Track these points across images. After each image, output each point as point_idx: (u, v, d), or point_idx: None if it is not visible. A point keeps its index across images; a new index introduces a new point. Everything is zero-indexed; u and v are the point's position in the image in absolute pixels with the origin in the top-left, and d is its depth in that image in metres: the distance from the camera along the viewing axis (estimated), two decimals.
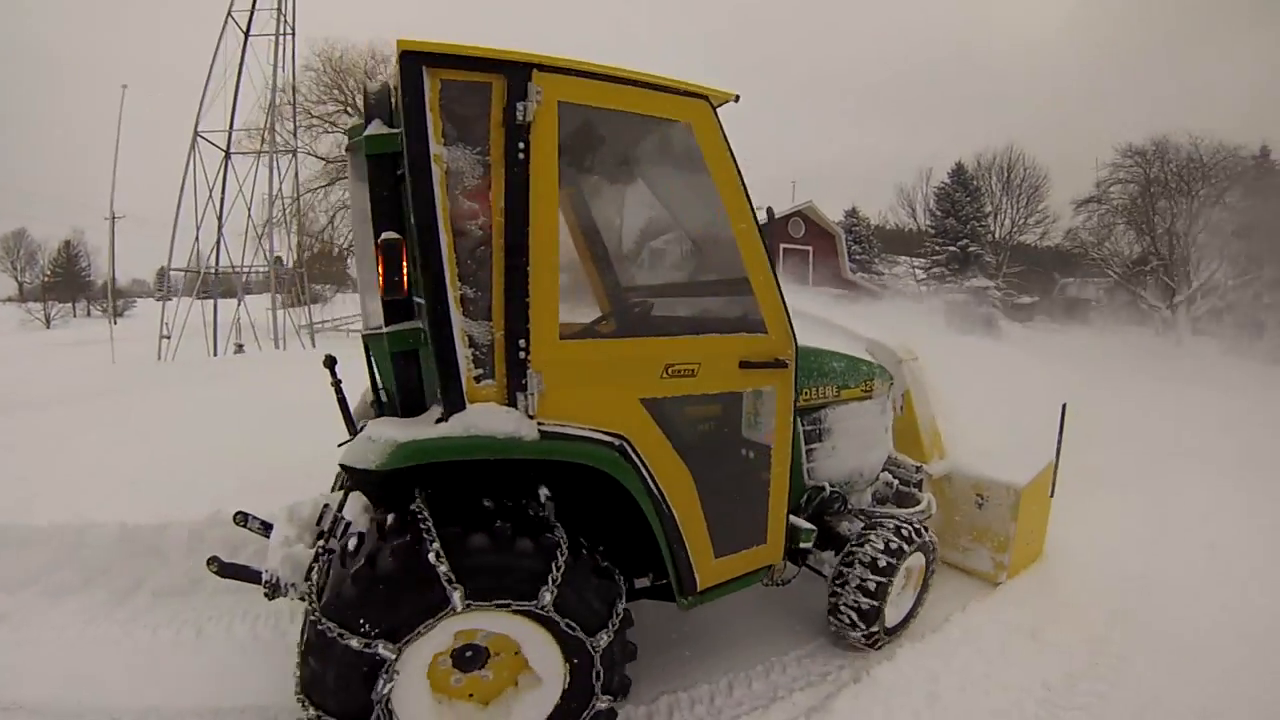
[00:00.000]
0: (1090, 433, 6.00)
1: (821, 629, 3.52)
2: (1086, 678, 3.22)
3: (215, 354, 18.53)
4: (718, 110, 2.57)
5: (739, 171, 2.59)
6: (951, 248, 33.26)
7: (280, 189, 20.86)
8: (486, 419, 2.16)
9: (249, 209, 20.39)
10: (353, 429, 3.02)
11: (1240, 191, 27.13)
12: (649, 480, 2.45)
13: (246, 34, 19.95)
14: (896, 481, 3.84)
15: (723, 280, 2.92)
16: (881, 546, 3.25)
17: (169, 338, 18.45)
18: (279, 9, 20.20)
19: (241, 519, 3.05)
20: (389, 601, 2.08)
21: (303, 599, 2.37)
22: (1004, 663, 3.24)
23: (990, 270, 33.03)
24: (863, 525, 3.43)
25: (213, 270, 20.18)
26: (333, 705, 2.11)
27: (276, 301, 20.59)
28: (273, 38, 20.23)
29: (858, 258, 35.87)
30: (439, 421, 2.15)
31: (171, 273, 20.36)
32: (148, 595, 3.54)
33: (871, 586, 3.20)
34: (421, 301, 2.16)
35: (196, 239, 19.62)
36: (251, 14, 20.02)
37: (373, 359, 2.87)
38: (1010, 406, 5.34)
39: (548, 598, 2.20)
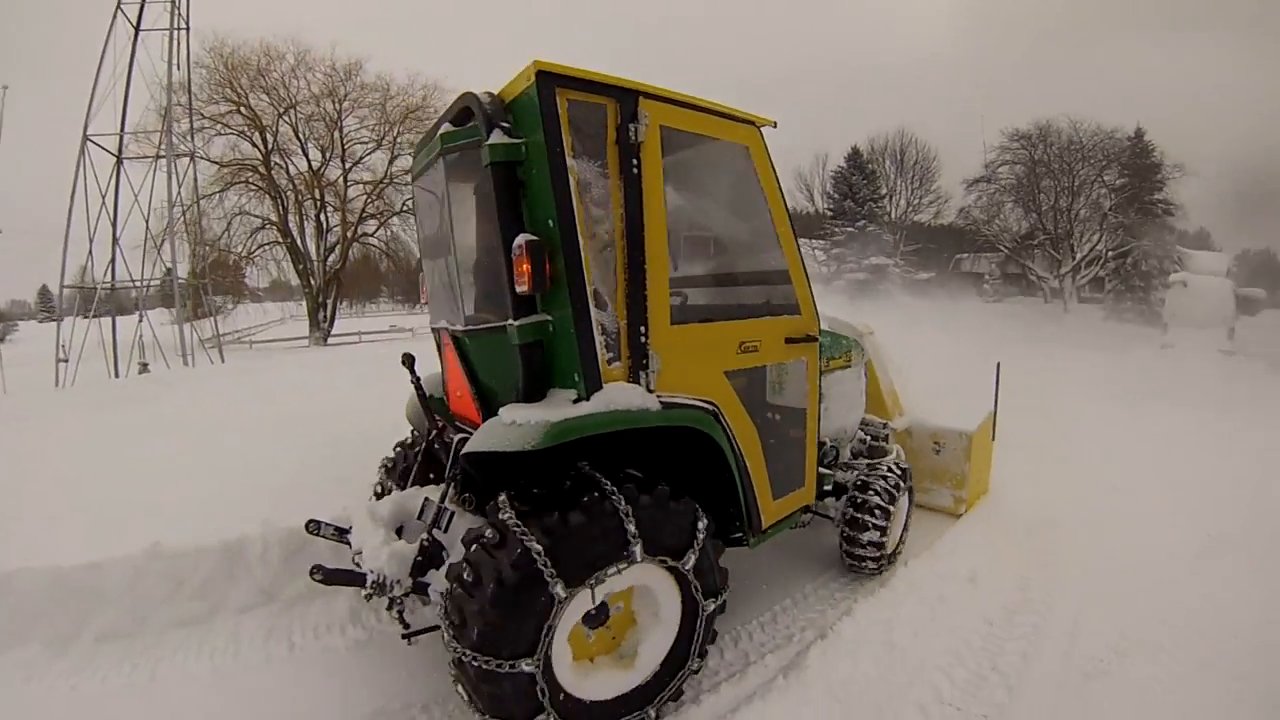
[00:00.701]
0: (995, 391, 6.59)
1: (781, 595, 3.76)
2: (1022, 611, 3.56)
3: (118, 375, 17.19)
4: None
5: (780, 185, 3.16)
6: (850, 229, 34.63)
7: (180, 195, 19.50)
8: (621, 395, 2.52)
9: (146, 218, 18.97)
10: (434, 423, 3.32)
11: (1116, 170, 29.56)
12: (730, 437, 2.90)
13: (137, 29, 18.44)
14: (869, 437, 4.45)
15: (770, 272, 3.38)
16: (883, 489, 3.94)
17: (66, 360, 17.01)
18: (172, 1, 18.76)
19: (315, 527, 3.19)
20: (584, 551, 2.36)
21: (406, 595, 2.68)
22: (947, 608, 3.54)
23: (888, 249, 34.68)
24: (858, 474, 4.06)
25: (108, 286, 18.64)
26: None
27: (179, 315, 19.26)
28: (166, 32, 18.79)
29: None
30: (576, 401, 2.47)
31: (65, 289, 18.63)
32: (90, 641, 3.34)
33: (881, 522, 3.86)
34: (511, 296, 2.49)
35: (90, 253, 18.07)
36: (142, 7, 18.54)
37: (462, 355, 3.10)
38: (930, 371, 5.84)
39: (692, 560, 2.63)
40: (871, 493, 3.93)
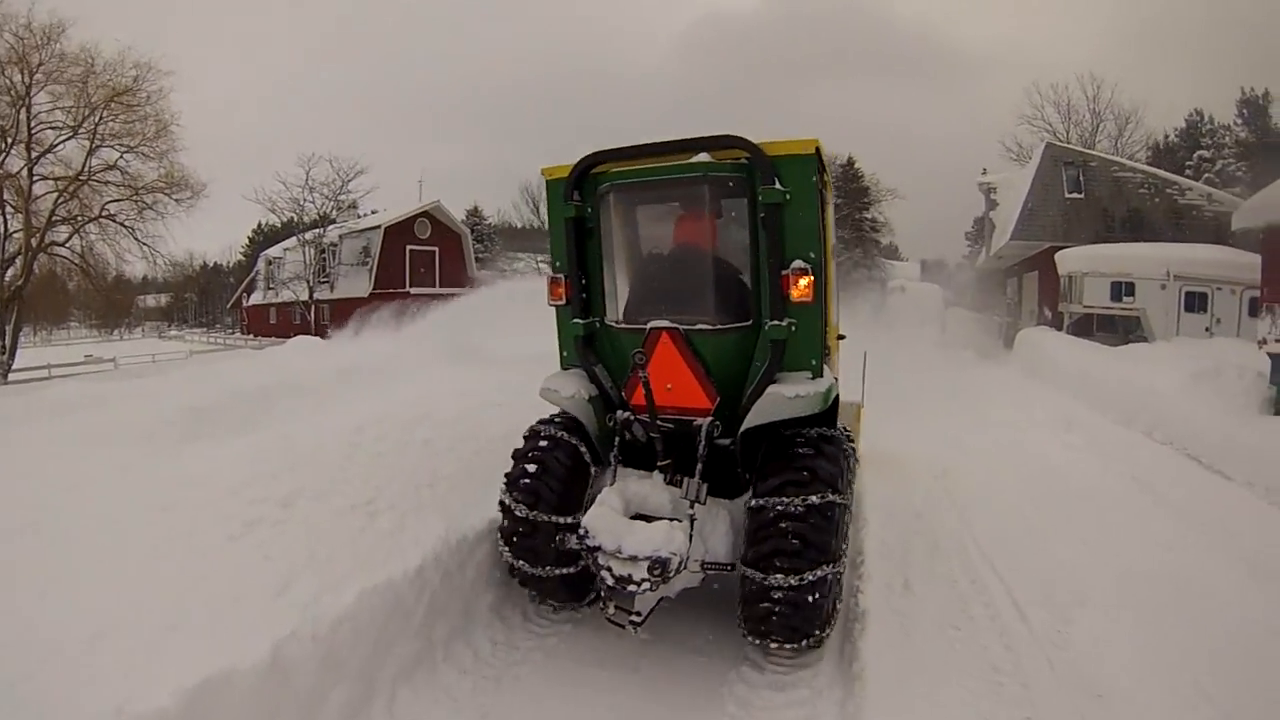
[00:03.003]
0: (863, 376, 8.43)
1: None
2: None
3: None
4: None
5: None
6: None
7: None
8: (829, 376, 3.67)
9: None
10: (650, 414, 3.59)
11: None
12: None
13: None
14: None
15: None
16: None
17: None
18: None
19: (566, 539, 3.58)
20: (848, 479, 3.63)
21: (730, 570, 3.46)
22: None
23: None
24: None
25: None
26: None
27: None
28: None
29: (481, 256, 38.02)
30: (813, 379, 3.55)
31: None
32: None
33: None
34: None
35: None
36: None
37: (692, 350, 3.61)
38: None
39: (850, 494, 3.72)
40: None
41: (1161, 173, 19.65)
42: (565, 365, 4.10)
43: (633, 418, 3.65)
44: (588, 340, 3.92)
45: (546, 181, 3.96)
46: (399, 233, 33.03)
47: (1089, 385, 10.99)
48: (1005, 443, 8.02)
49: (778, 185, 3.39)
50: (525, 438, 3.94)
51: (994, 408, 10.22)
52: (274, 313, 37.97)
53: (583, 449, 3.87)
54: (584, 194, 3.81)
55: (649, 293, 3.91)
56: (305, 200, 33.51)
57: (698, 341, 3.57)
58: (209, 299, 60.81)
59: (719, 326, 3.58)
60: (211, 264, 63.55)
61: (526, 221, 44.12)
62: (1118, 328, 16.17)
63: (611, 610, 3.31)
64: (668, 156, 3.60)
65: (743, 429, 3.49)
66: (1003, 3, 69.04)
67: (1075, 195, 18.94)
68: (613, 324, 3.87)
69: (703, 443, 3.43)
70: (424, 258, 33.68)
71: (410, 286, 32.66)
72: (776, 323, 3.45)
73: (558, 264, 3.98)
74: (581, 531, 3.28)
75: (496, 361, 7.95)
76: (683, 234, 3.85)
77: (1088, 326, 16.50)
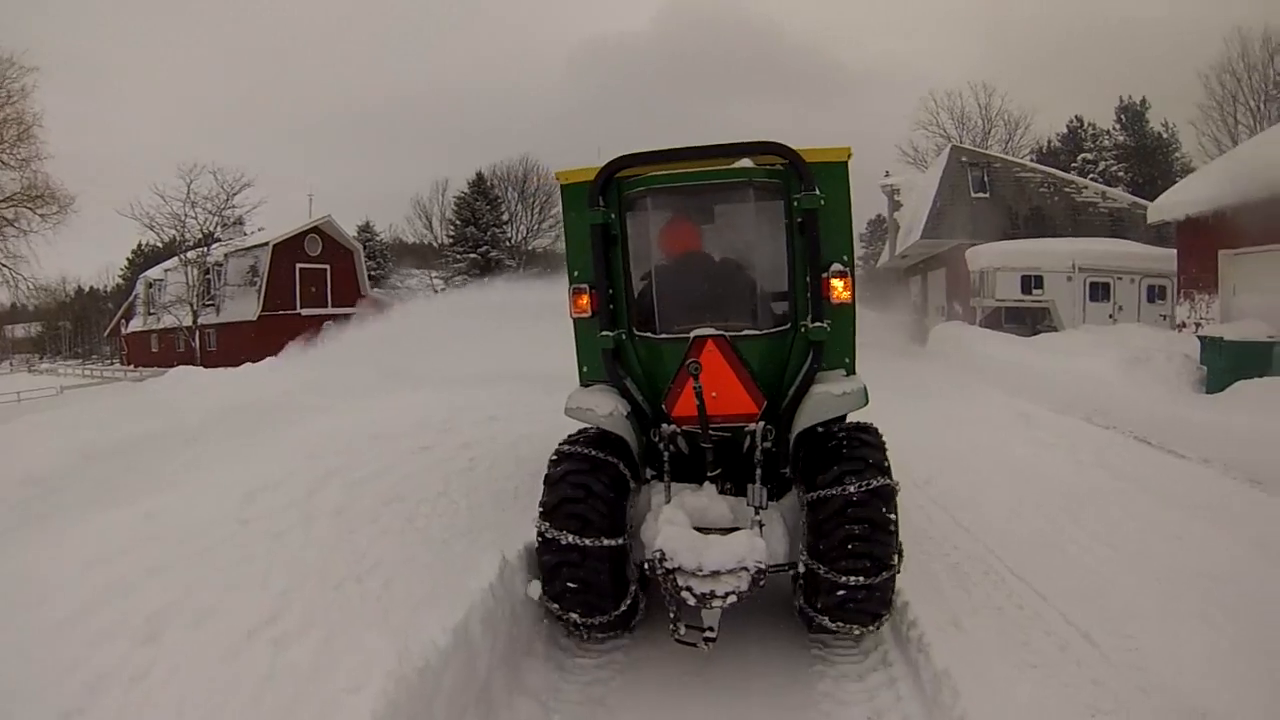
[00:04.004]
0: None
1: None
2: None
3: None
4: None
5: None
6: (473, 254, 35.73)
7: None
8: (860, 377, 3.78)
9: None
10: (702, 424, 3.51)
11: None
12: None
13: None
14: None
15: None
16: None
17: None
18: None
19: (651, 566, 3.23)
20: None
21: (790, 569, 3.49)
22: None
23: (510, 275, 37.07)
24: None
25: None
26: None
27: None
28: None
29: (374, 273, 36.35)
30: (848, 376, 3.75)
31: None
32: None
33: None
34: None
35: None
36: None
37: (739, 355, 3.51)
38: None
39: (893, 475, 3.53)
40: None
41: (1059, 173, 20.97)
42: (586, 381, 3.94)
43: (679, 429, 3.58)
44: (615, 353, 3.73)
45: (563, 187, 3.85)
46: (288, 250, 30.55)
47: (1022, 376, 11.18)
48: (969, 442, 7.78)
49: (817, 193, 3.46)
50: (556, 460, 3.64)
51: (939, 404, 10.01)
52: (156, 340, 34.53)
53: (621, 467, 3.63)
54: (607, 200, 3.66)
55: (688, 300, 3.80)
56: (187, 216, 30.38)
57: (741, 347, 3.52)
58: (85, 327, 55.16)
59: (763, 331, 3.66)
60: (87, 288, 57.67)
61: (419, 237, 42.69)
62: (1025, 319, 16.89)
63: (683, 631, 3.21)
64: (703, 161, 3.59)
65: (797, 430, 3.57)
66: (885, 22, 72.97)
67: (981, 195, 19.81)
68: (650, 334, 3.74)
69: (759, 448, 3.45)
70: (315, 276, 31.49)
71: (301, 307, 30.38)
72: (819, 324, 3.52)
73: (575, 273, 3.82)
74: (657, 553, 3.10)
75: (413, 385, 6.93)
76: (722, 239, 3.95)
77: (998, 319, 17.22)
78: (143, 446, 5.22)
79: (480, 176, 38.34)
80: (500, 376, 8.13)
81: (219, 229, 31.29)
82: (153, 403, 7.70)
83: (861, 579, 3.22)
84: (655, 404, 3.71)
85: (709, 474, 3.59)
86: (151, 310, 34.60)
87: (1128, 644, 3.29)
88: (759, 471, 3.41)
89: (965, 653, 3.21)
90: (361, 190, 67.02)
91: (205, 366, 24.39)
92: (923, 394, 10.93)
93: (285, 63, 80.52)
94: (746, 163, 3.54)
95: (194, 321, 30.65)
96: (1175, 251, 11.79)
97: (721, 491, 3.56)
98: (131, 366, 34.51)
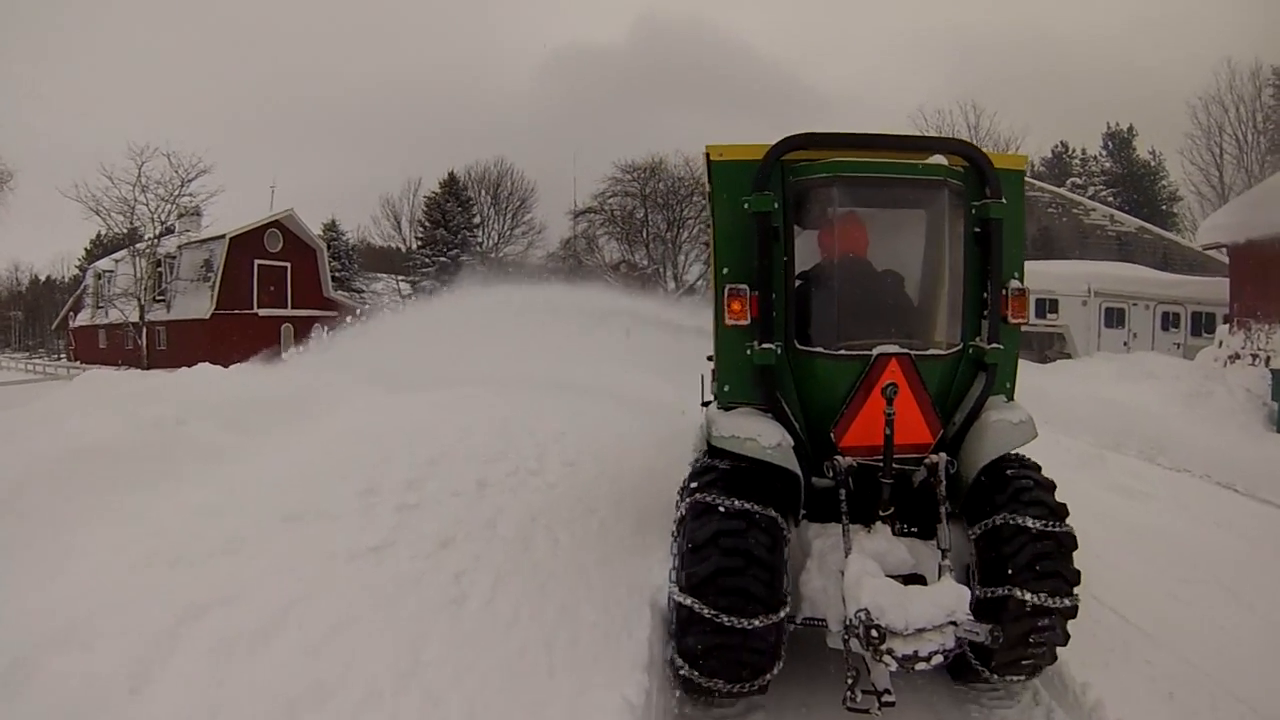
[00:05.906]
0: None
1: None
2: None
3: None
4: None
5: None
6: (442, 258, 34.24)
7: None
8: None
9: None
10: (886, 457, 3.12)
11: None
12: None
13: None
14: None
15: None
16: None
17: None
18: None
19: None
20: None
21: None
22: None
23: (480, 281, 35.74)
24: None
25: None
26: None
27: None
28: None
29: (338, 275, 34.44)
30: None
31: None
32: None
33: None
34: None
35: None
36: None
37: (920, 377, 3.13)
38: None
39: None
40: None
41: (1068, 193, 20.58)
42: (727, 402, 3.39)
43: (855, 463, 3.15)
44: (768, 370, 3.27)
45: (714, 164, 3.35)
46: (246, 244, 28.28)
47: (1056, 407, 10.28)
48: None
49: (1003, 199, 3.23)
50: (698, 513, 3.04)
51: None
52: (104, 335, 32.10)
53: (775, 515, 3.08)
54: (770, 185, 3.24)
55: (867, 311, 3.41)
56: (136, 202, 28.04)
57: (922, 368, 3.14)
58: (38, 318, 51.53)
59: (944, 351, 3.33)
60: (43, 278, 54.18)
61: (387, 239, 40.87)
62: (1033, 345, 16.16)
63: (859, 698, 2.77)
64: (890, 152, 3.29)
65: (983, 461, 3.22)
66: (856, 45, 73.51)
67: None
68: (821, 350, 3.26)
69: (942, 482, 3.12)
70: (274, 274, 29.22)
71: (258, 307, 28.29)
72: (995, 345, 3.27)
73: (726, 270, 3.30)
74: (863, 615, 2.71)
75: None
76: (902, 242, 3.56)
77: None
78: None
79: (453, 176, 36.86)
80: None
81: (173, 217, 29.06)
82: (55, 419, 5.79)
83: (1052, 600, 2.99)
84: (813, 432, 3.30)
85: (881, 513, 3.11)
86: (100, 304, 32.15)
87: None
88: (944, 509, 3.08)
89: None
90: (328, 190, 64.26)
91: (151, 368, 22.42)
92: None
93: (256, 50, 77.31)
94: (939, 160, 3.23)
95: (141, 318, 28.39)
96: (1188, 278, 11.25)
97: (895, 533, 3.16)
98: (78, 363, 31.94)
